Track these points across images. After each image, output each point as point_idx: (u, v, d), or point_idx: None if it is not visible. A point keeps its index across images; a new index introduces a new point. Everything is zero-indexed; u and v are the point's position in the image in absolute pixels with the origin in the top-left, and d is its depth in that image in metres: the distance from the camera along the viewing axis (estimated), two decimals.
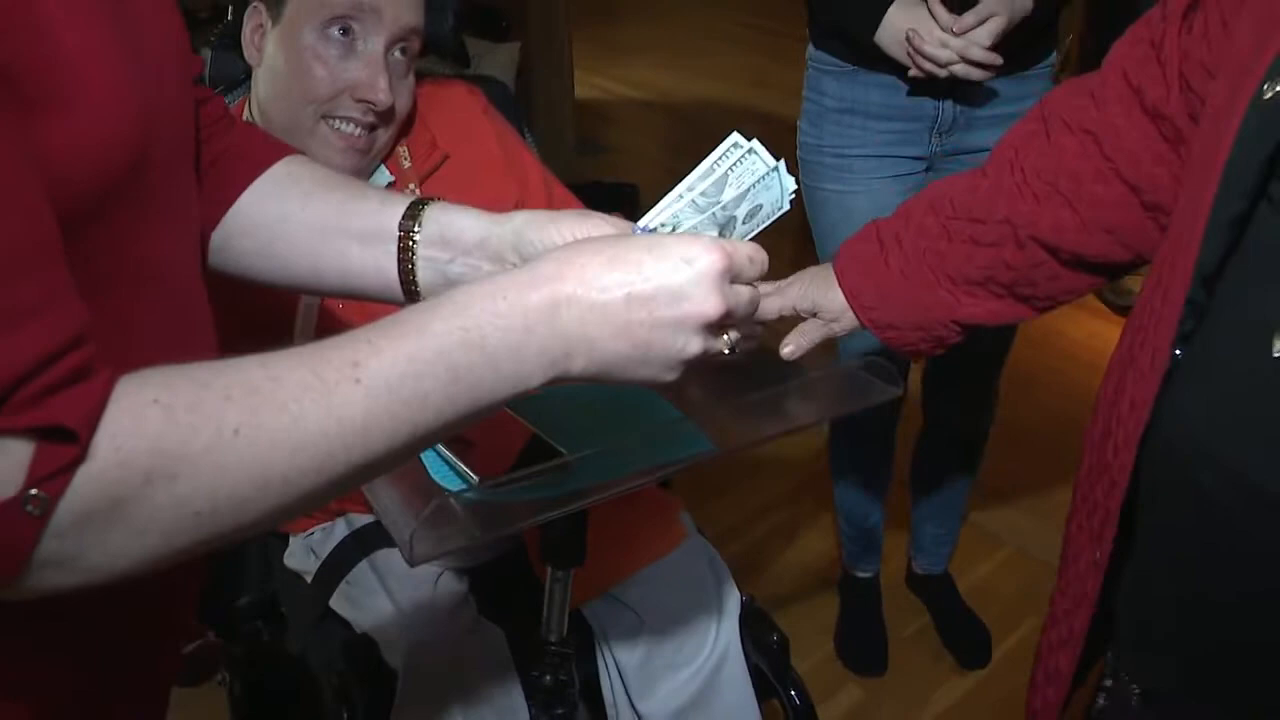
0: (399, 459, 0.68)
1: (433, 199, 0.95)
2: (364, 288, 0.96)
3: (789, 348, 1.20)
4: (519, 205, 1.51)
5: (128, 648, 0.81)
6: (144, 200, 0.68)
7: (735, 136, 0.86)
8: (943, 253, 1.13)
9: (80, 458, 0.55)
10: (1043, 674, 1.08)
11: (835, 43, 1.75)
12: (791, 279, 1.20)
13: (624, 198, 3.79)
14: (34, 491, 0.54)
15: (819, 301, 1.18)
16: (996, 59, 1.57)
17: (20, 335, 0.54)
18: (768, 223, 0.90)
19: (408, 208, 0.93)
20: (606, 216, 0.89)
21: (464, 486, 1.05)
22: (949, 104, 1.71)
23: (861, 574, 2.29)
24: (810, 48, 1.81)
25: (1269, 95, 0.77)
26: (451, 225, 0.92)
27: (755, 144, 0.86)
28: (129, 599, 0.67)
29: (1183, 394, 0.85)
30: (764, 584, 2.34)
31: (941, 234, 1.13)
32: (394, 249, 0.92)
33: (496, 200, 1.50)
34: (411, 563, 1.00)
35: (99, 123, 0.62)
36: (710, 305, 0.72)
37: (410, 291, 0.93)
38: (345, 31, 1.37)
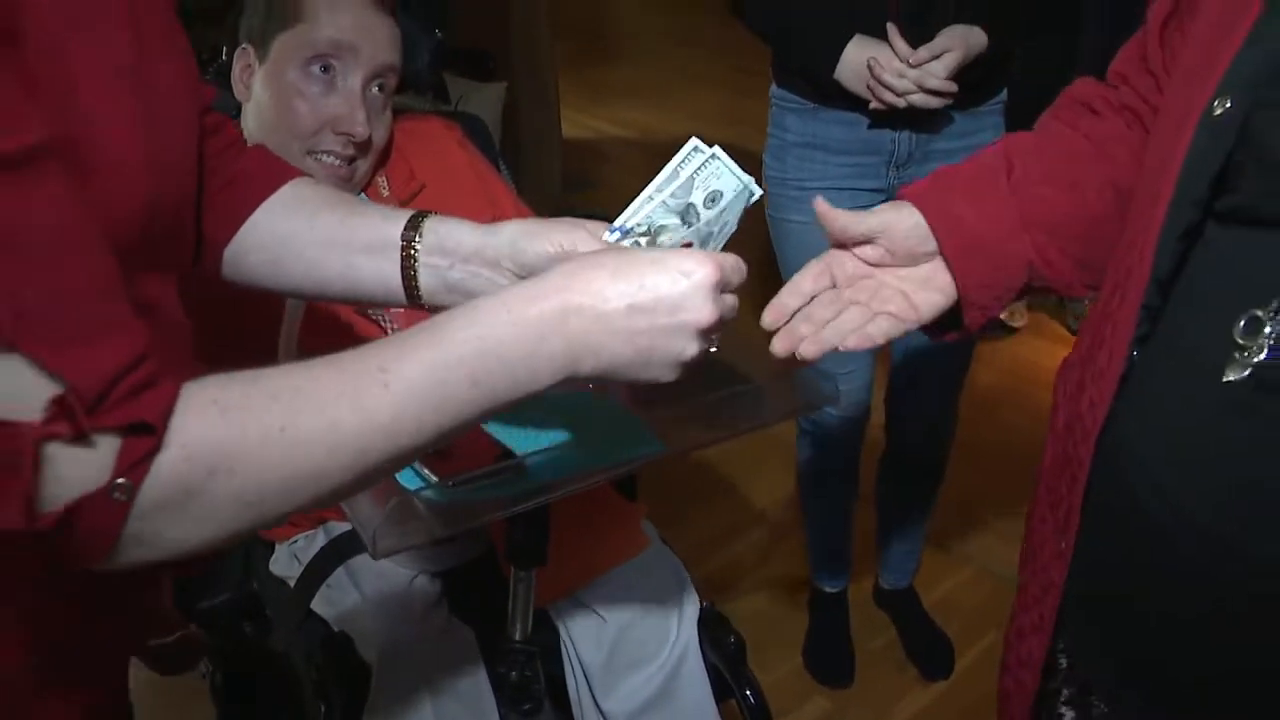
0: (422, 454, 0.78)
1: (430, 212, 1.04)
2: (369, 294, 1.05)
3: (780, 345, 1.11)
4: None
5: (81, 632, 0.89)
6: (145, 250, 0.76)
7: (695, 141, 0.95)
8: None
9: (157, 448, 0.65)
10: (1015, 659, 1.10)
11: (795, 80, 1.85)
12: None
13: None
14: (120, 480, 0.64)
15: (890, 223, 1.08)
16: (952, 87, 1.67)
17: (106, 347, 0.64)
18: (735, 223, 0.99)
19: (408, 220, 1.02)
20: (590, 224, 0.98)
21: (423, 485, 1.14)
22: (905, 138, 1.81)
23: (829, 589, 2.38)
24: (773, 86, 1.91)
25: (1218, 112, 0.81)
26: (449, 235, 1.01)
27: (718, 150, 0.95)
28: (82, 589, 0.77)
29: (1134, 400, 0.90)
30: (736, 600, 2.43)
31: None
32: (397, 258, 1.01)
33: None
34: (375, 556, 1.09)
35: (117, 198, 0.71)
36: (705, 314, 0.81)
37: (413, 296, 1.02)
38: (326, 69, 1.48)
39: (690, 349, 0.81)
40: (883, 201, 1.79)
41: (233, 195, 1.02)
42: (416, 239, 1.01)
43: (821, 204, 1.05)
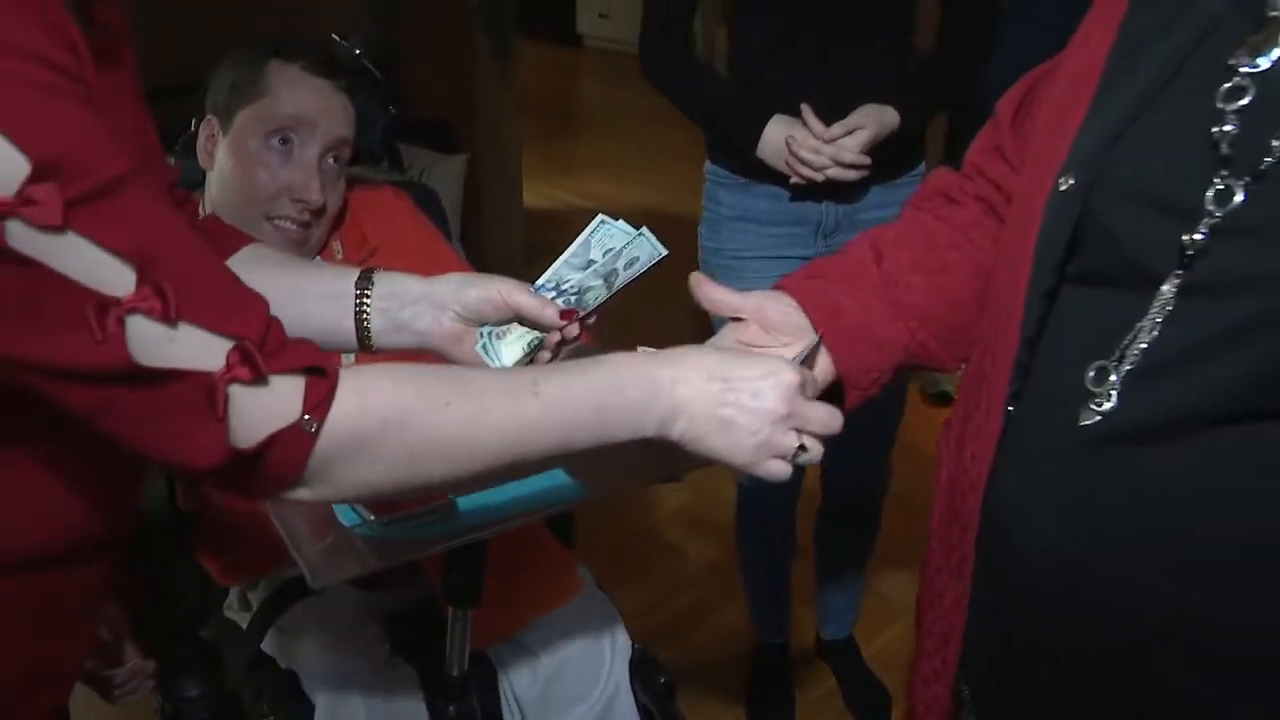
0: (548, 461, 0.94)
1: (381, 268, 1.18)
2: (321, 341, 1.16)
3: None
4: None
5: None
6: None
7: (600, 216, 1.19)
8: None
9: (334, 389, 0.80)
10: (923, 706, 1.17)
11: (726, 157, 1.98)
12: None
13: None
14: (307, 416, 0.79)
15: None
16: (866, 160, 1.80)
17: (252, 310, 0.79)
18: (646, 268, 1.20)
19: (360, 274, 1.16)
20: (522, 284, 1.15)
21: (360, 522, 1.23)
22: (830, 209, 1.93)
23: (771, 641, 2.46)
24: (707, 162, 2.03)
25: (1064, 188, 0.91)
26: (399, 283, 1.16)
27: (614, 221, 1.19)
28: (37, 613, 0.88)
29: (1010, 453, 0.99)
30: (681, 654, 2.49)
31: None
32: (350, 306, 1.14)
33: None
34: (313, 585, 1.18)
35: None
36: (782, 406, 0.95)
37: (364, 340, 1.16)
38: (285, 141, 1.59)
39: (763, 433, 0.96)
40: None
41: None
42: (369, 288, 1.15)
43: (696, 277, 1.15)
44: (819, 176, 1.82)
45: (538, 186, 4.99)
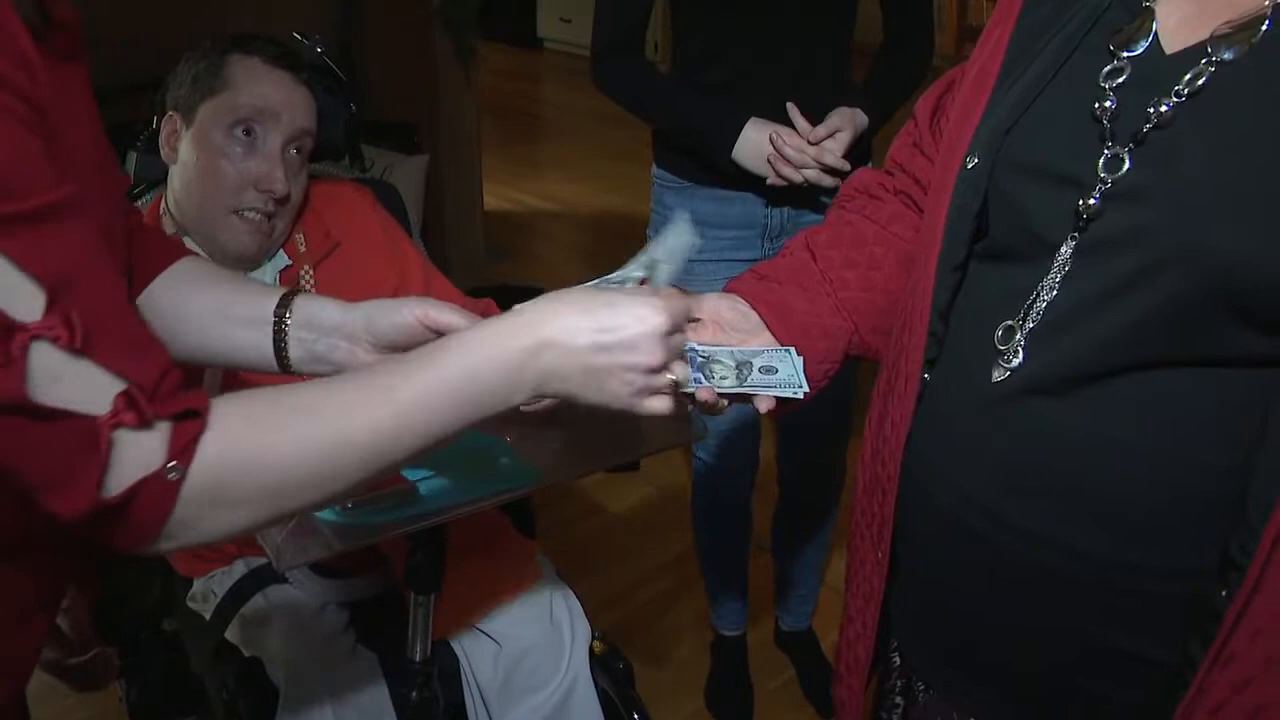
0: (419, 458, 0.92)
1: (301, 291, 1.19)
2: (248, 362, 1.18)
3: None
4: (398, 289, 1.76)
5: None
6: None
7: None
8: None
9: (202, 431, 0.79)
10: (844, 666, 1.25)
11: (672, 161, 2.00)
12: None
13: (528, 298, 4.03)
14: (173, 463, 0.77)
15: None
16: (846, 165, 1.81)
17: (151, 355, 0.79)
18: (776, 389, 1.12)
19: (280, 298, 1.16)
20: (444, 303, 1.14)
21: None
22: (777, 212, 1.96)
23: (729, 633, 2.49)
24: (653, 166, 2.06)
25: (970, 166, 1.00)
26: (315, 313, 1.15)
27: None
28: None
29: (927, 416, 1.06)
30: (642, 646, 2.53)
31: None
32: (270, 331, 1.15)
33: (379, 282, 1.75)
34: (279, 569, 1.21)
35: None
36: (654, 357, 0.96)
37: (284, 365, 1.16)
38: (248, 132, 1.61)
39: (638, 382, 0.96)
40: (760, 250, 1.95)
41: (135, 266, 1.15)
42: (287, 315, 1.15)
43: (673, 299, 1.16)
44: (799, 177, 1.82)
45: (498, 188, 5.02)
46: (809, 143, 1.81)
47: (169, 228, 1.67)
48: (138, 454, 0.76)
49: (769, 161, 1.83)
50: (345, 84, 1.87)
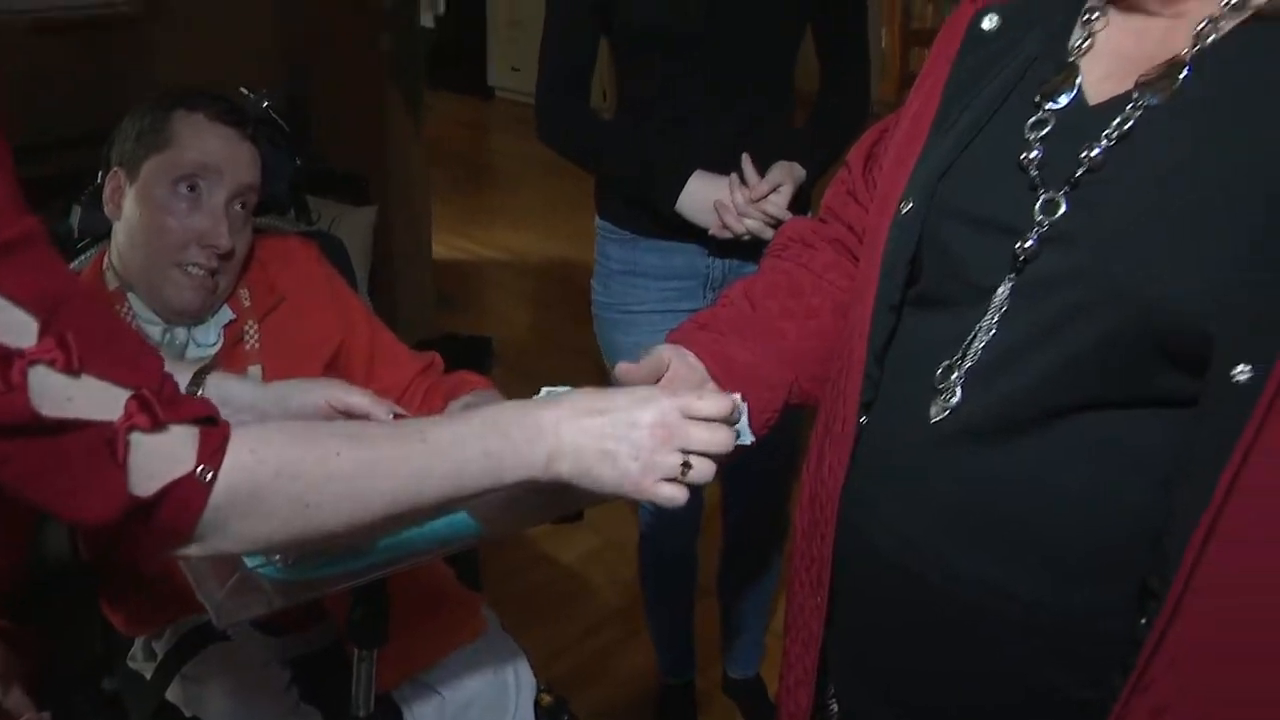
0: (441, 507, 0.97)
1: (215, 368, 1.20)
2: None
3: None
4: (342, 345, 1.78)
5: None
6: None
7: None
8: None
9: (228, 437, 0.82)
10: (786, 713, 1.24)
11: (614, 213, 2.03)
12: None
13: (478, 351, 4.06)
14: (202, 466, 0.80)
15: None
16: (788, 215, 1.82)
17: (148, 363, 0.82)
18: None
19: (193, 375, 1.18)
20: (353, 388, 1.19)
21: (263, 562, 1.25)
22: (719, 263, 1.99)
23: (675, 681, 2.50)
24: (596, 218, 2.09)
25: (905, 210, 1.03)
26: (228, 390, 1.18)
27: None
28: None
29: (864, 459, 1.08)
30: (590, 698, 2.52)
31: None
32: None
33: (323, 337, 1.76)
34: (219, 625, 1.20)
35: None
36: (657, 430, 1.00)
37: None
38: (192, 188, 1.62)
39: (645, 456, 1.00)
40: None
41: None
42: (199, 392, 1.16)
43: (623, 367, 1.19)
44: (742, 228, 1.85)
45: (448, 237, 5.03)
46: (753, 200, 1.84)
47: (112, 283, 1.67)
48: (165, 455, 0.79)
49: (715, 210, 1.85)
50: (290, 138, 1.88)
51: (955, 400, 0.98)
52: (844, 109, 2.00)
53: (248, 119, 1.71)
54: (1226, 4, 0.89)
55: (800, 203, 1.93)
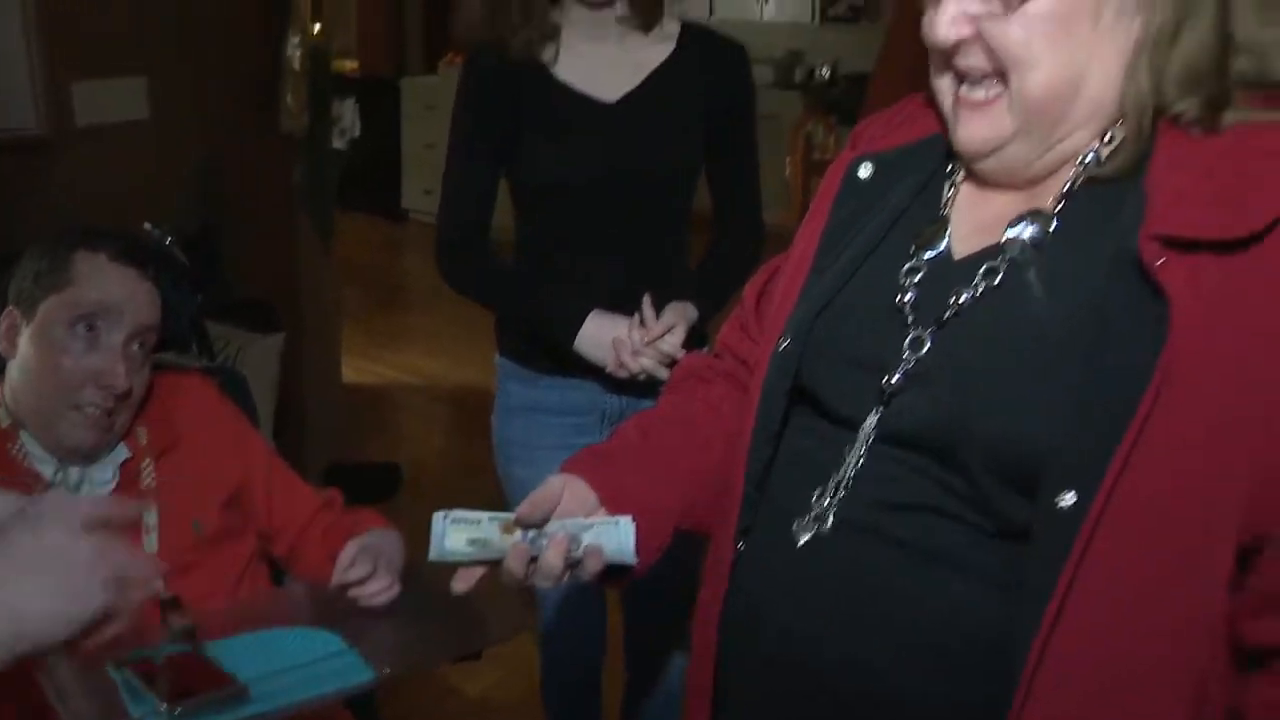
0: None
1: None
2: None
3: (459, 584, 1.21)
4: (241, 483, 1.78)
5: None
6: None
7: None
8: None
9: None
10: None
11: (513, 350, 2.08)
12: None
13: (387, 477, 4.04)
14: None
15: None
16: (681, 353, 1.87)
17: None
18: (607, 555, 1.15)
19: None
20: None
21: (150, 712, 1.24)
22: (615, 399, 2.03)
23: None
24: (496, 355, 2.13)
25: (782, 348, 1.11)
26: None
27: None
28: None
29: (743, 578, 1.14)
30: None
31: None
32: None
33: (221, 476, 1.76)
34: None
35: None
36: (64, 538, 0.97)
37: None
38: (90, 328, 1.62)
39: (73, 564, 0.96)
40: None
41: None
42: None
43: (523, 511, 1.17)
44: (637, 366, 1.88)
45: (359, 361, 5.03)
46: (647, 341, 1.87)
47: (3, 420, 1.66)
48: None
49: (613, 347, 1.89)
50: (193, 275, 1.90)
51: (826, 528, 1.06)
52: (736, 252, 2.06)
53: (150, 258, 1.72)
54: (1074, 177, 1.00)
55: (696, 339, 1.98)
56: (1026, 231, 1.00)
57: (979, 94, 1.00)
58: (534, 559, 1.12)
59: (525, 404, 2.06)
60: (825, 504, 1.06)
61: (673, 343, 1.88)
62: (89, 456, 1.66)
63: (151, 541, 1.68)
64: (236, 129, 3.58)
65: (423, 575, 1.86)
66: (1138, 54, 0.95)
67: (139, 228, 1.89)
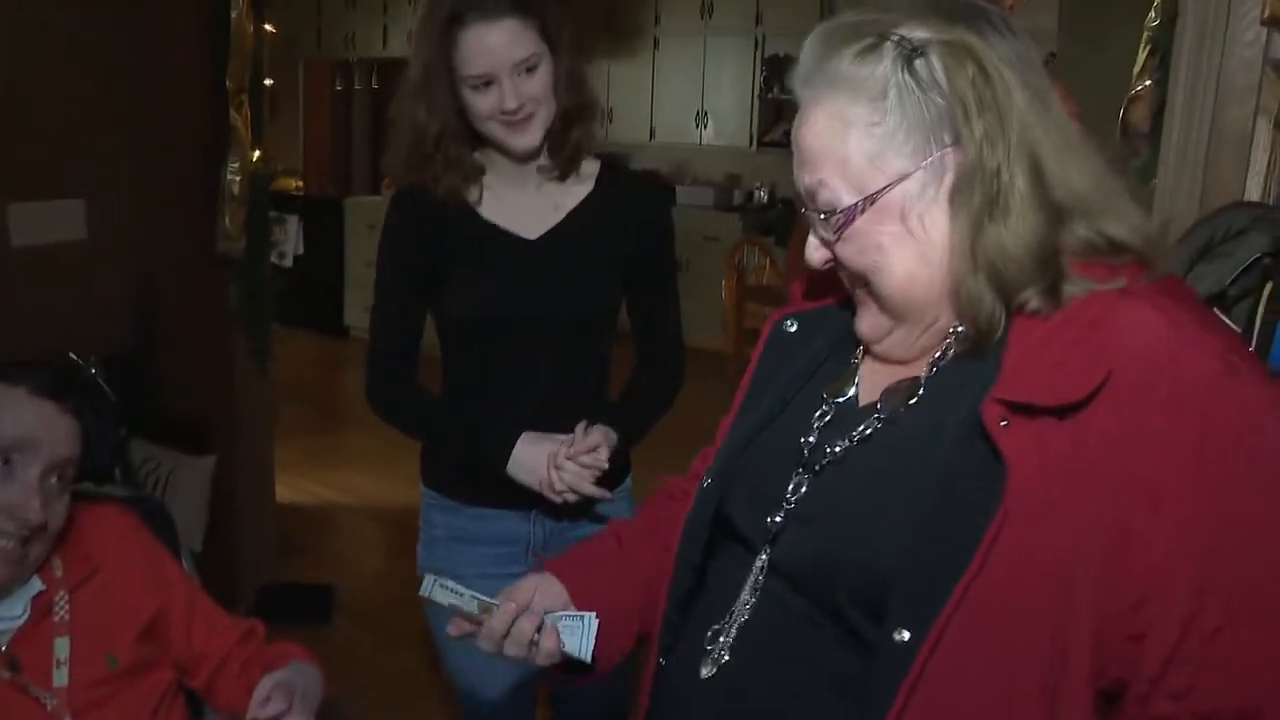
0: None
1: None
2: None
3: (453, 630, 1.39)
4: (158, 613, 1.76)
5: None
6: None
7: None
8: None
9: None
10: None
11: (438, 481, 2.09)
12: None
13: (321, 599, 3.98)
14: None
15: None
16: (605, 465, 1.90)
17: None
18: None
19: None
20: None
21: None
22: (539, 528, 2.04)
23: None
24: (421, 485, 2.13)
25: (706, 484, 1.24)
26: None
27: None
28: None
29: (662, 699, 1.23)
30: None
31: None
32: None
33: (137, 609, 1.74)
34: None
35: None
36: None
37: None
38: (6, 461, 1.61)
39: None
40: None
41: None
42: None
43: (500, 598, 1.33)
44: (565, 487, 1.89)
45: (295, 479, 4.99)
46: (575, 460, 1.89)
47: None
48: None
49: (550, 468, 1.90)
50: (118, 404, 1.90)
51: (726, 658, 1.15)
52: (655, 385, 2.10)
53: (71, 390, 1.71)
54: (943, 351, 1.10)
55: (623, 467, 2.00)
56: (900, 393, 1.12)
57: (860, 293, 1.13)
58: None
59: (449, 534, 2.07)
60: (720, 642, 1.15)
61: (599, 458, 1.90)
62: (1, 590, 1.64)
63: (63, 675, 1.66)
64: (173, 251, 3.61)
65: (342, 712, 1.85)
66: (956, 252, 1.04)
67: (64, 356, 1.89)
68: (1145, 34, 2.16)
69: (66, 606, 1.69)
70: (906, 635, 0.97)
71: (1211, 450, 0.93)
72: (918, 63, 1.01)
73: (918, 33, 1.02)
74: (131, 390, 3.21)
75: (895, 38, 1.02)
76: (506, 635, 1.29)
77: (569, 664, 1.31)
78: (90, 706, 1.66)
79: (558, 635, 1.28)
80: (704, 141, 8.60)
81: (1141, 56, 2.18)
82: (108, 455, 1.83)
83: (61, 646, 1.67)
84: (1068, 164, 1.02)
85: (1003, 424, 0.97)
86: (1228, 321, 1.57)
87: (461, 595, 1.35)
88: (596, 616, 1.28)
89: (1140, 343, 0.96)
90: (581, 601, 1.31)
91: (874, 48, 1.03)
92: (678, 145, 8.75)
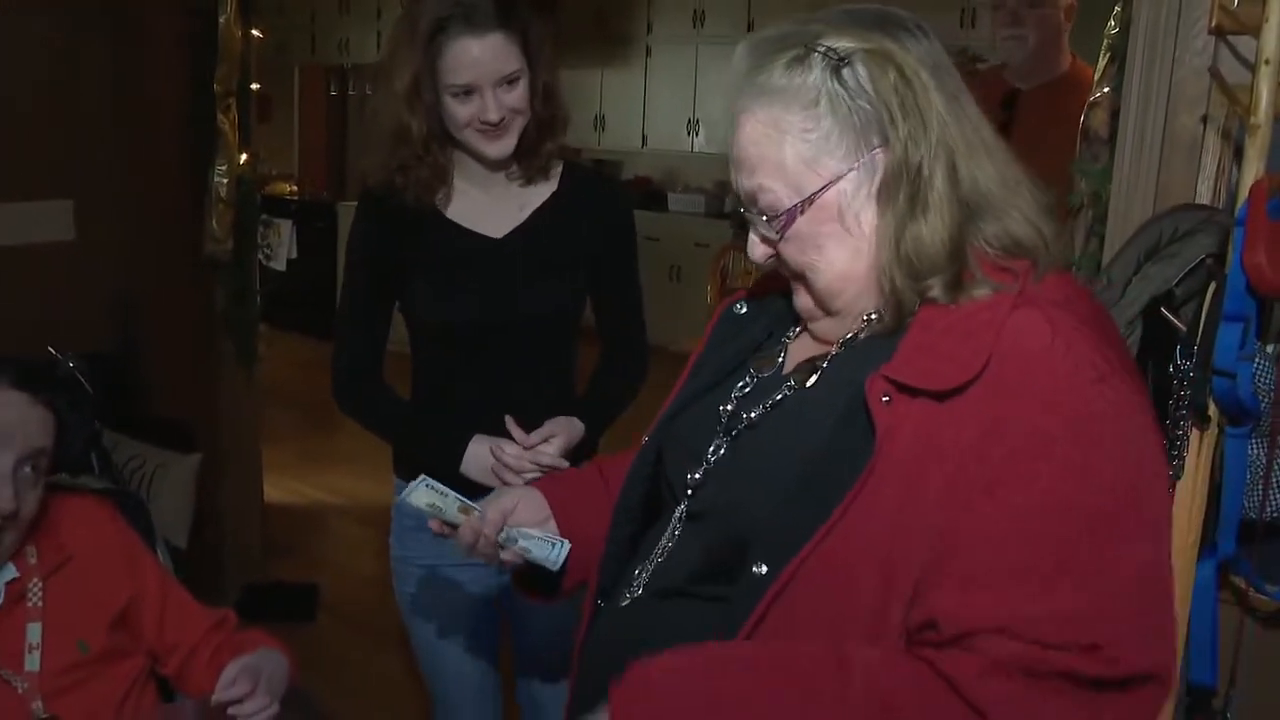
0: None
1: None
2: None
3: (433, 525, 1.53)
4: (131, 601, 1.81)
5: None
6: None
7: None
8: None
9: None
10: None
11: (410, 472, 2.10)
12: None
13: (304, 598, 4.02)
14: None
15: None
16: (564, 463, 1.94)
17: None
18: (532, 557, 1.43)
19: None
20: None
21: None
22: None
23: None
24: (394, 477, 2.19)
25: (644, 441, 1.37)
26: None
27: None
28: None
29: (596, 627, 1.33)
30: None
31: None
32: None
33: (110, 598, 1.79)
34: None
35: None
36: None
37: None
38: None
39: None
40: (494, 576, 2.05)
41: None
42: None
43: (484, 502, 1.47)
44: (519, 482, 1.90)
45: (283, 480, 5.03)
46: (525, 449, 1.94)
47: None
48: None
49: (493, 472, 1.95)
50: (96, 399, 1.94)
51: (639, 593, 1.27)
52: (618, 380, 2.15)
53: (45, 383, 1.76)
54: (858, 330, 1.20)
55: (589, 453, 2.06)
56: (805, 367, 1.24)
57: (796, 283, 1.23)
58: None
59: (419, 524, 2.08)
60: (640, 577, 1.27)
61: (550, 451, 1.94)
62: None
63: (35, 660, 1.70)
64: (162, 252, 3.64)
65: (308, 699, 1.89)
66: (881, 245, 1.13)
67: (44, 351, 1.94)
68: (1105, 41, 2.20)
69: (40, 593, 1.74)
70: (765, 569, 1.10)
71: (1063, 449, 1.02)
72: (845, 71, 1.10)
73: (842, 42, 1.10)
74: (118, 390, 3.26)
75: (822, 48, 1.10)
76: (475, 545, 1.44)
77: (534, 580, 1.49)
78: (61, 691, 1.71)
79: (516, 553, 1.42)
80: (695, 149, 8.62)
81: (1102, 63, 2.22)
82: (82, 447, 1.87)
83: (34, 632, 1.72)
84: (976, 163, 1.10)
85: (885, 399, 1.07)
86: (1119, 328, 1.61)
87: (445, 496, 1.49)
88: (568, 544, 1.41)
89: (1024, 345, 1.05)
90: (561, 517, 1.45)
91: (802, 59, 1.11)
92: (669, 153, 8.79)
